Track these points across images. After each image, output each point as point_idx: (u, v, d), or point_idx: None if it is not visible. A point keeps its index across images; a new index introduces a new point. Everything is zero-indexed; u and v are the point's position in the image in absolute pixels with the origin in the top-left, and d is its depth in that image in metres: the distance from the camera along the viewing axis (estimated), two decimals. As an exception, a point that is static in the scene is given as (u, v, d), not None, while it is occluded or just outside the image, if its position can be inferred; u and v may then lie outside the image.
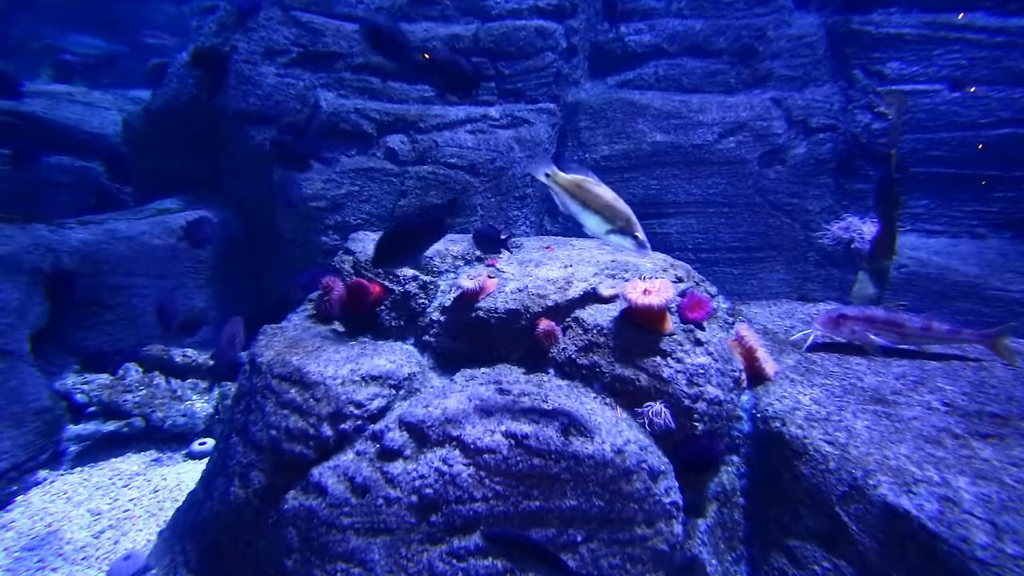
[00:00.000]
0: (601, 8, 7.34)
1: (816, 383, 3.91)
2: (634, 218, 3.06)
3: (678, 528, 3.28)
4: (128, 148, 7.54)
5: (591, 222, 3.09)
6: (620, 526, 3.18)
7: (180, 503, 4.50)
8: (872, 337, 4.23)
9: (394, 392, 3.72)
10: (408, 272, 4.57)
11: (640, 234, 3.05)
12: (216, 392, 5.95)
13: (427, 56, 4.25)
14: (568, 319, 4.00)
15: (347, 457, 3.42)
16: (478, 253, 4.86)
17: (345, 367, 3.74)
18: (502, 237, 4.49)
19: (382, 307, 4.52)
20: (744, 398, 3.88)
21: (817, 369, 4.12)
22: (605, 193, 3.07)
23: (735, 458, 3.74)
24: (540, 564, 2.97)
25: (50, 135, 7.63)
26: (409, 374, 3.86)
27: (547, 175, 3.19)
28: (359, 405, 3.56)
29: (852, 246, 6.51)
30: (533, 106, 6.87)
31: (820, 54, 6.99)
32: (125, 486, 5.02)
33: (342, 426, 3.50)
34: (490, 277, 4.31)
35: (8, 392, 5.03)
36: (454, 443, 3.24)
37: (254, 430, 3.70)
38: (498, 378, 3.78)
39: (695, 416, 3.54)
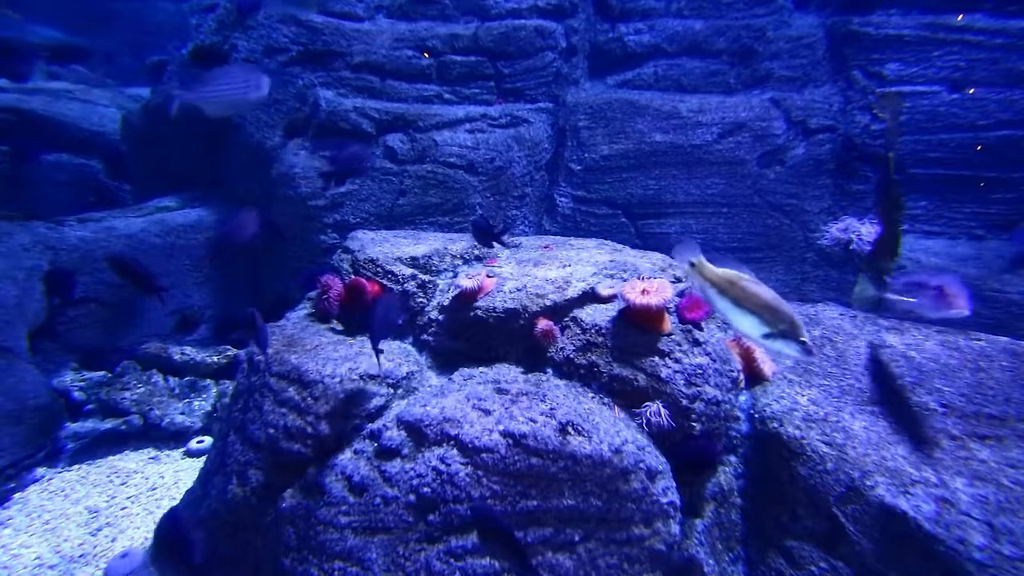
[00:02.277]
0: (597, 6, 7.34)
1: (814, 384, 3.92)
2: (797, 318, 2.77)
3: (675, 528, 3.28)
4: (127, 146, 7.52)
5: (744, 323, 2.83)
6: (617, 526, 3.18)
7: (178, 501, 4.50)
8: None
9: (392, 391, 3.72)
10: (407, 271, 4.57)
11: (806, 337, 2.76)
12: (214, 390, 5.94)
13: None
14: (567, 319, 4.00)
15: (345, 456, 3.42)
16: (477, 252, 4.86)
17: (343, 366, 3.74)
18: (495, 231, 4.48)
19: (381, 306, 4.51)
20: (742, 398, 3.89)
21: (815, 370, 4.12)
22: (764, 292, 2.79)
23: (733, 458, 3.75)
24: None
25: (49, 132, 7.61)
26: (407, 373, 3.86)
27: (692, 264, 2.93)
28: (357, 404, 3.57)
29: (850, 247, 6.52)
30: (532, 105, 6.87)
31: (819, 55, 7.00)
32: (123, 484, 5.02)
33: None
34: (489, 276, 4.31)
35: (6, 389, 5.02)
36: (452, 442, 3.24)
37: (252, 428, 3.70)
38: (496, 377, 3.79)
39: (693, 416, 3.55)
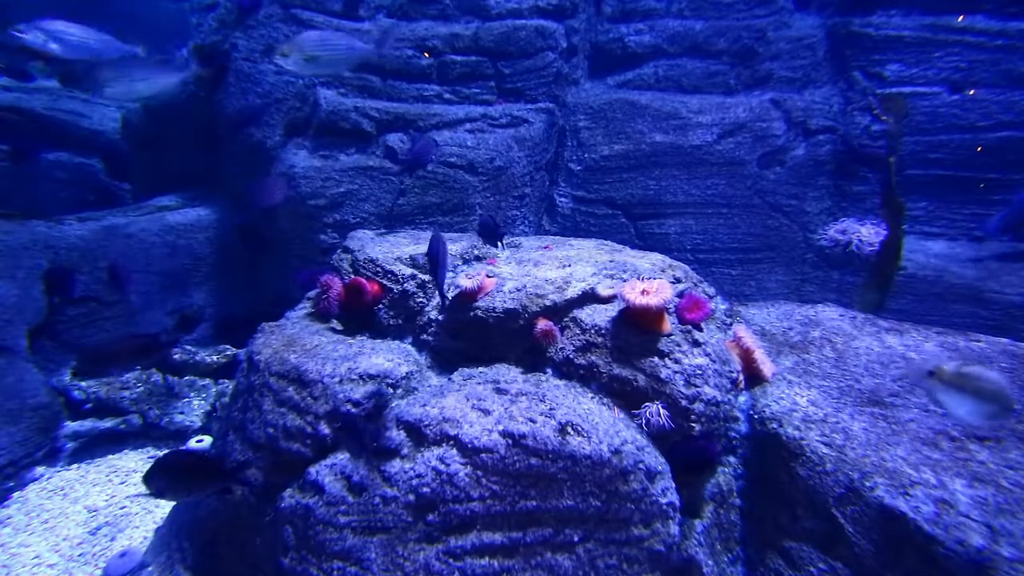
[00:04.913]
0: (599, 6, 7.35)
1: (813, 384, 3.92)
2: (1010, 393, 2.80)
3: (674, 529, 3.29)
4: (127, 145, 7.52)
5: (979, 413, 2.81)
6: (617, 526, 3.18)
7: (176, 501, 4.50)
8: None
9: (392, 391, 3.72)
10: (406, 271, 4.57)
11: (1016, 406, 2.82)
12: (214, 389, 5.94)
13: None
14: (566, 319, 4.00)
15: (344, 455, 3.42)
16: (477, 252, 4.87)
17: (343, 365, 3.74)
18: (501, 231, 4.55)
19: (380, 306, 4.52)
20: (741, 399, 3.89)
21: (814, 371, 4.12)
22: (996, 376, 2.79)
23: (732, 459, 3.75)
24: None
25: (49, 131, 7.60)
26: (407, 373, 3.86)
27: (930, 374, 2.87)
28: (356, 404, 3.57)
29: (850, 248, 6.52)
30: (533, 105, 6.87)
31: (820, 56, 7.00)
32: (122, 483, 5.02)
33: (339, 424, 3.50)
34: (488, 276, 4.31)
35: (6, 388, 5.02)
36: (451, 442, 3.24)
37: (252, 428, 3.70)
38: (496, 377, 3.79)
39: (692, 417, 3.55)
